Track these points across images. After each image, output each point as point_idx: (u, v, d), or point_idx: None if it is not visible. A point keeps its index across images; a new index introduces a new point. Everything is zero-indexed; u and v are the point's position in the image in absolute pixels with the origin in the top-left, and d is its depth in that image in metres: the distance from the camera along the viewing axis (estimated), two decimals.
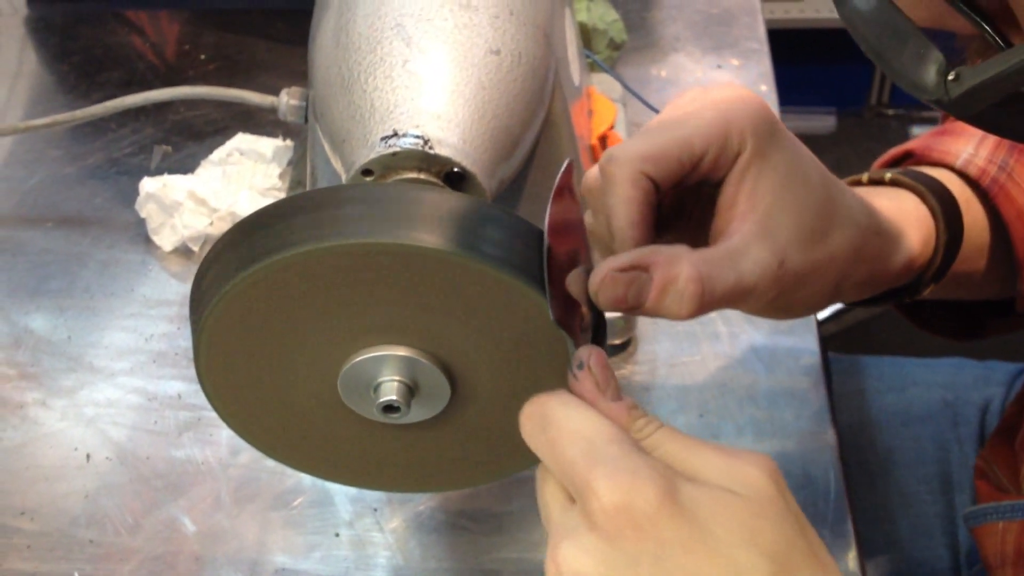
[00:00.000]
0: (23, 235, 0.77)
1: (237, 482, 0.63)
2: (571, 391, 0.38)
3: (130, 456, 0.64)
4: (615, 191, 0.43)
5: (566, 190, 0.41)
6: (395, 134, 0.47)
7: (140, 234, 0.77)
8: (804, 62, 1.89)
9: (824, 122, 1.98)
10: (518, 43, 0.52)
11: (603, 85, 0.76)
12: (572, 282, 0.41)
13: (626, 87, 0.75)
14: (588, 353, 0.39)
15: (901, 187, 0.54)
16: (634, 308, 0.41)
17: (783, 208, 0.44)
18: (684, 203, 0.49)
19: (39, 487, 0.63)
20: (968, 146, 0.56)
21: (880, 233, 0.49)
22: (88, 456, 0.65)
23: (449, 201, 0.40)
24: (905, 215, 0.51)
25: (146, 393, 0.67)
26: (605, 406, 0.38)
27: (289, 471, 0.57)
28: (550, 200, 0.40)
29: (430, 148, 0.47)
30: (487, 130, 0.49)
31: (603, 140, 0.66)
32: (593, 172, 0.46)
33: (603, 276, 0.41)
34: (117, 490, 0.63)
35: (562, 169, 0.42)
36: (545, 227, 0.40)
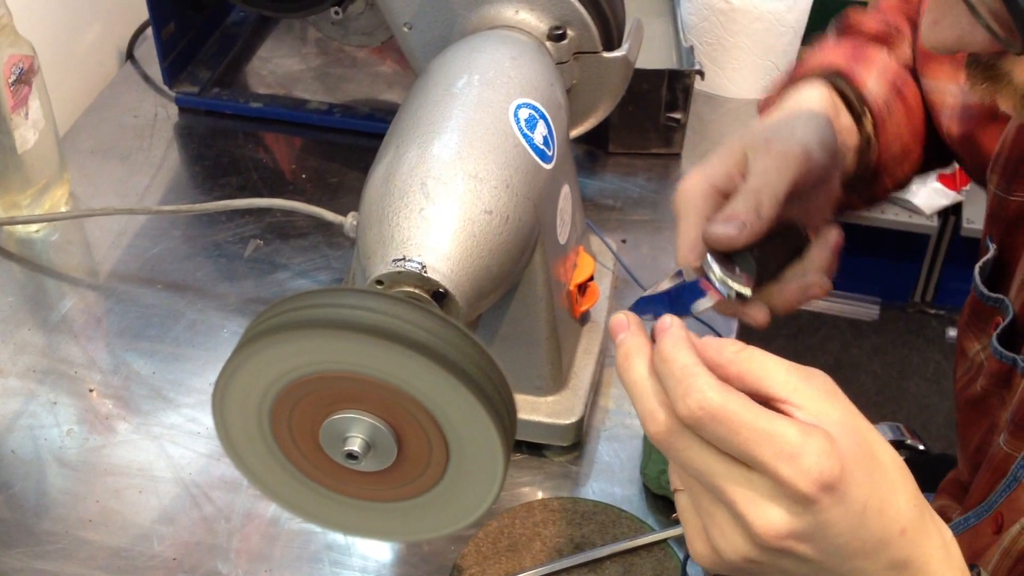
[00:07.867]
0: (138, 291, 0.99)
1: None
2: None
3: (181, 470, 0.83)
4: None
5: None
6: (403, 258, 0.66)
7: (225, 304, 0.97)
8: (856, 253, 2.04)
9: (868, 310, 2.12)
10: (509, 208, 0.70)
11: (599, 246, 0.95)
12: None
13: (610, 249, 0.94)
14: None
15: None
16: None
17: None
18: None
19: (106, 480, 0.82)
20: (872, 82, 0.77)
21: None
22: (148, 464, 0.83)
23: (425, 319, 0.56)
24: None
25: (202, 423, 0.86)
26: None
27: None
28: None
29: (425, 272, 0.65)
30: (471, 266, 0.67)
31: (581, 287, 0.84)
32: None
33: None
34: (170, 498, 0.81)
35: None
36: None
